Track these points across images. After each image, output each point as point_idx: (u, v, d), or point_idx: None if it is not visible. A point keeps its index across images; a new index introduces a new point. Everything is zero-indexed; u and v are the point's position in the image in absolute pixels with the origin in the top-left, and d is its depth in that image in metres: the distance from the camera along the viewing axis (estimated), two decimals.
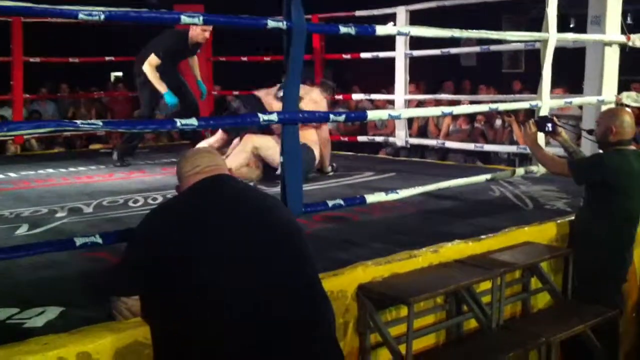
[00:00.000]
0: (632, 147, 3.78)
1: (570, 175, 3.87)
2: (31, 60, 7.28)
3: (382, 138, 7.42)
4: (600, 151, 3.90)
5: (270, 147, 5.07)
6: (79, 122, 2.52)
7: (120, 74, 16.73)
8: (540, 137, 4.33)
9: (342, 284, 2.91)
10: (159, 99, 6.05)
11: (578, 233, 3.88)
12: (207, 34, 5.92)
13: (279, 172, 5.11)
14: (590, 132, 4.25)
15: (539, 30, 4.51)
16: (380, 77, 10.31)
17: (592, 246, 3.73)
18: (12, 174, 5.71)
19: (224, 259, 2.05)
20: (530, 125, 4.18)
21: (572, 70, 6.10)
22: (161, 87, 5.67)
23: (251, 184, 4.91)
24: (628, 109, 4.00)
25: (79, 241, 2.54)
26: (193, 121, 2.80)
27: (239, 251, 2.07)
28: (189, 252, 2.03)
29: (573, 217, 4.01)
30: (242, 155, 5.15)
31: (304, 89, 5.26)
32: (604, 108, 5.14)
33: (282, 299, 2.05)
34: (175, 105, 5.66)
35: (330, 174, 5.60)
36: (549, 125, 4.10)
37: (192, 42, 5.92)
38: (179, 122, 2.76)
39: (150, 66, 5.65)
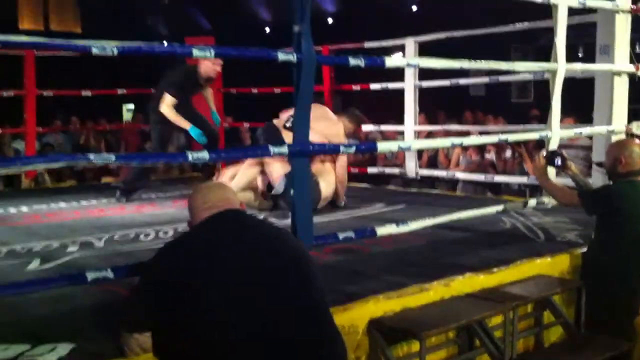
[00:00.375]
0: None
1: (580, 206, 3.87)
2: (44, 93, 7.34)
3: (394, 170, 7.41)
4: (610, 182, 3.89)
5: (268, 161, 5.15)
6: (91, 156, 2.54)
7: (132, 106, 16.92)
8: (551, 169, 4.33)
9: (353, 318, 2.90)
10: (171, 135, 6.12)
11: (589, 264, 3.86)
12: (218, 68, 5.97)
13: (274, 191, 5.24)
14: (599, 164, 4.25)
15: (547, 58, 4.52)
16: (389, 107, 10.36)
17: (602, 278, 3.70)
18: (23, 208, 5.74)
19: (231, 285, 2.05)
20: (539, 158, 4.20)
21: (581, 99, 6.11)
22: (185, 124, 5.72)
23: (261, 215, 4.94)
24: (637, 140, 4.00)
25: (90, 276, 2.54)
26: (205, 154, 2.82)
27: (246, 276, 2.07)
28: (197, 283, 2.04)
29: (585, 249, 3.98)
30: (251, 169, 5.27)
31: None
32: (614, 138, 5.14)
33: (289, 320, 2.05)
34: (201, 137, 5.71)
35: (342, 205, 5.59)
36: (558, 159, 4.11)
37: (204, 77, 5.97)
38: (190, 155, 2.77)
39: (167, 107, 5.69)
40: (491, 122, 8.59)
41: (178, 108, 5.73)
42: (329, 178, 5.41)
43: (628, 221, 3.65)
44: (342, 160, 5.48)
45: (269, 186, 5.38)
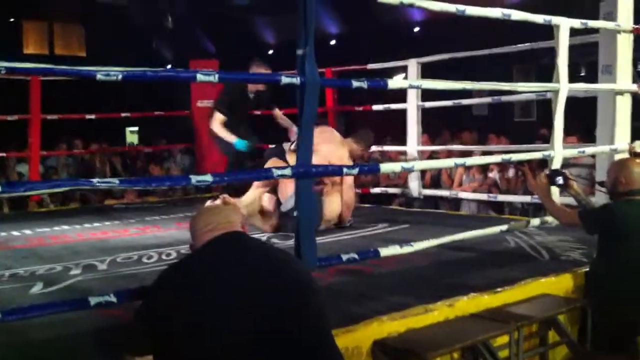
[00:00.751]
0: None
1: (581, 226, 3.89)
2: (48, 117, 7.38)
3: (397, 190, 7.42)
4: (610, 201, 3.90)
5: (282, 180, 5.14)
6: (95, 180, 2.55)
7: (135, 128, 17.00)
8: (554, 188, 4.33)
9: (357, 339, 2.89)
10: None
11: (591, 283, 3.85)
12: (260, 87, 5.92)
13: (282, 207, 5.25)
14: (601, 183, 4.25)
15: (550, 77, 4.54)
16: (392, 127, 10.38)
17: (604, 296, 3.69)
18: (27, 231, 5.75)
19: (233, 308, 2.05)
20: (541, 177, 4.22)
21: (584, 118, 6.13)
22: (231, 138, 5.86)
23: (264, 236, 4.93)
24: (638, 160, 4.01)
25: (93, 300, 2.54)
26: (207, 177, 2.83)
27: (248, 299, 2.07)
28: (199, 306, 2.04)
29: (588, 268, 3.97)
30: (257, 190, 5.33)
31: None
32: (617, 157, 5.14)
33: (291, 345, 2.05)
34: (246, 146, 5.84)
35: (347, 225, 5.59)
36: (560, 178, 4.12)
37: (252, 91, 5.96)
38: (193, 178, 2.78)
39: (217, 123, 5.89)
40: (494, 140, 8.59)
41: (231, 125, 5.87)
42: (334, 199, 5.43)
43: (628, 240, 3.65)
44: (349, 182, 5.49)
45: (279, 203, 5.39)
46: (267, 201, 5.49)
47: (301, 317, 2.11)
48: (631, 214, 3.68)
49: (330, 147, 5.39)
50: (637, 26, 5.10)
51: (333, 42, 15.20)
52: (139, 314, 2.24)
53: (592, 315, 3.71)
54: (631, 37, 5.17)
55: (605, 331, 3.68)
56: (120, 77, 2.57)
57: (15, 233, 5.68)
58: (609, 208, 3.82)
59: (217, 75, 2.93)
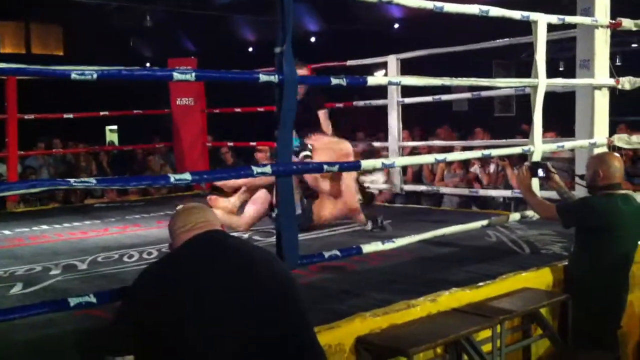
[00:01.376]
0: (621, 191, 3.79)
1: (558, 220, 3.90)
2: (25, 117, 7.31)
3: (381, 186, 7.39)
4: (588, 195, 3.92)
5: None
6: (72, 180, 2.52)
7: (114, 127, 16.88)
8: (535, 181, 4.35)
9: (339, 336, 2.88)
10: None
11: (570, 277, 3.87)
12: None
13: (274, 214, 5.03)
14: (582, 177, 4.27)
15: (529, 72, 4.56)
16: (372, 122, 10.40)
17: (582, 291, 3.72)
18: (6, 232, 5.68)
19: (215, 306, 2.04)
20: (523, 170, 4.22)
21: (563, 113, 6.16)
22: None
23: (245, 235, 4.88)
24: (616, 154, 4.04)
25: (73, 301, 2.52)
26: (187, 176, 2.80)
27: (229, 296, 2.06)
28: (180, 305, 2.03)
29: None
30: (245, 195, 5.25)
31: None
32: (596, 151, 5.18)
33: (274, 340, 2.05)
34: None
35: (369, 228, 5.18)
36: (542, 170, 4.13)
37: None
38: (172, 177, 2.76)
39: None
40: (480, 135, 8.62)
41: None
42: (324, 204, 5.20)
43: (606, 234, 3.68)
44: (347, 182, 5.15)
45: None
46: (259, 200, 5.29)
47: (284, 314, 2.11)
48: (610, 208, 3.70)
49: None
50: (614, 21, 5.14)
51: (313, 39, 15.19)
52: (120, 314, 2.22)
53: (572, 309, 3.74)
54: (608, 32, 5.21)
55: (584, 325, 3.70)
56: (95, 76, 2.54)
57: None
58: (588, 202, 3.85)
59: (194, 74, 2.90)
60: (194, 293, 2.05)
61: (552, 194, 4.48)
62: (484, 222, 4.35)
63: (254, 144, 8.16)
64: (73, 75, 2.48)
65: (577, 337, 3.71)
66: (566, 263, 3.99)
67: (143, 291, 2.15)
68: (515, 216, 4.61)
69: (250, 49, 16.41)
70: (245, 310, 2.05)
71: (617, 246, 3.69)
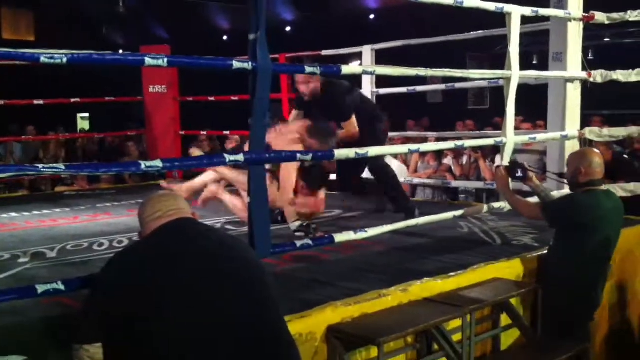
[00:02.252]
0: (603, 187, 3.82)
1: (543, 219, 3.90)
2: None
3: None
4: (568, 192, 3.95)
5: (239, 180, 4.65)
6: (40, 166, 2.48)
7: (86, 114, 16.69)
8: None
9: (311, 325, 2.88)
10: None
11: (548, 271, 3.90)
12: (303, 88, 5.01)
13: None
14: (561, 175, 4.30)
15: (503, 66, 4.59)
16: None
17: (560, 284, 3.75)
18: None
19: (185, 293, 2.01)
20: (501, 170, 4.23)
21: (536, 105, 6.22)
22: None
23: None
24: (596, 150, 4.05)
25: (40, 288, 2.48)
26: (158, 163, 2.77)
27: (200, 283, 2.04)
28: (150, 292, 2.00)
29: (540, 253, 4.04)
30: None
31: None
32: (568, 143, 5.24)
33: (247, 326, 2.03)
34: None
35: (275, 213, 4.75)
36: (520, 171, 4.14)
37: (306, 98, 5.16)
38: (143, 164, 2.73)
39: None
40: (460, 126, 8.65)
41: None
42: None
43: (587, 231, 3.70)
44: (288, 167, 4.62)
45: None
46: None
47: (257, 301, 2.10)
48: (591, 204, 3.73)
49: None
50: (587, 14, 5.18)
51: (288, 28, 15.13)
52: (87, 303, 2.20)
53: (544, 300, 3.77)
54: (581, 25, 5.26)
55: (557, 315, 3.74)
56: (65, 59, 2.49)
57: None
58: (572, 200, 3.86)
59: (166, 59, 2.86)
60: (161, 283, 2.02)
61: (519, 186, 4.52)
62: (456, 213, 4.38)
63: (227, 132, 8.13)
64: (42, 59, 2.43)
65: (548, 327, 3.75)
66: (537, 254, 4.03)
67: (110, 281, 2.11)
68: (487, 207, 4.64)
69: (225, 38, 16.29)
70: (214, 300, 2.03)
71: (599, 241, 3.71)
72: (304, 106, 5.24)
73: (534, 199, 4.35)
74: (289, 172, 4.66)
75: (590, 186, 3.76)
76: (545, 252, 4.02)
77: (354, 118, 5.05)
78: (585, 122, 5.55)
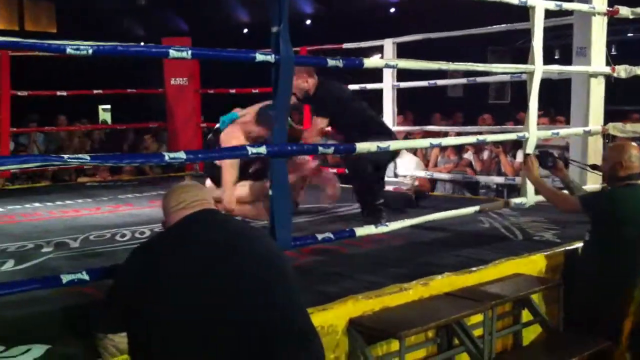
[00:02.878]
0: None
1: (583, 212, 3.79)
2: (19, 93, 7.25)
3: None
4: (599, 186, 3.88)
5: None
6: (65, 156, 2.50)
7: (108, 106, 16.80)
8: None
9: (332, 318, 2.89)
10: None
11: (582, 266, 3.82)
12: (301, 82, 4.88)
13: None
14: (594, 167, 4.24)
15: (523, 60, 4.55)
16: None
17: (595, 279, 3.67)
18: None
19: (210, 284, 2.03)
20: (531, 160, 4.10)
21: (558, 100, 6.17)
22: None
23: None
24: (634, 143, 3.97)
25: (65, 278, 2.51)
26: (181, 154, 2.78)
27: (225, 274, 2.05)
28: (174, 283, 2.01)
29: (562, 249, 4.01)
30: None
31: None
32: (590, 139, 5.19)
33: (271, 316, 2.04)
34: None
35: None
36: (550, 160, 4.06)
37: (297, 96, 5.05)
38: (167, 155, 2.74)
39: None
40: (482, 121, 8.59)
41: None
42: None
43: (628, 225, 3.62)
44: (227, 163, 4.59)
45: None
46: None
47: (278, 292, 2.10)
48: (631, 199, 3.66)
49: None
50: (611, 9, 5.13)
51: (308, 22, 15.11)
52: (110, 293, 2.21)
53: (574, 296, 3.73)
54: (605, 19, 5.21)
55: (587, 313, 3.68)
56: (90, 51, 2.51)
57: None
58: (614, 194, 3.77)
59: (190, 52, 2.87)
60: (188, 270, 2.03)
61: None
62: (477, 208, 4.36)
63: None
64: (68, 50, 2.45)
65: (576, 323, 3.69)
66: (558, 250, 4.00)
67: (132, 271, 2.13)
68: (508, 202, 4.62)
69: (245, 31, 16.30)
70: (235, 293, 2.04)
71: (637, 237, 3.63)
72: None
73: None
74: (228, 170, 4.61)
75: (629, 180, 3.68)
76: (567, 247, 3.99)
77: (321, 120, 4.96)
78: (617, 117, 5.49)
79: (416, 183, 6.81)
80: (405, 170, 6.86)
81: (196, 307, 1.99)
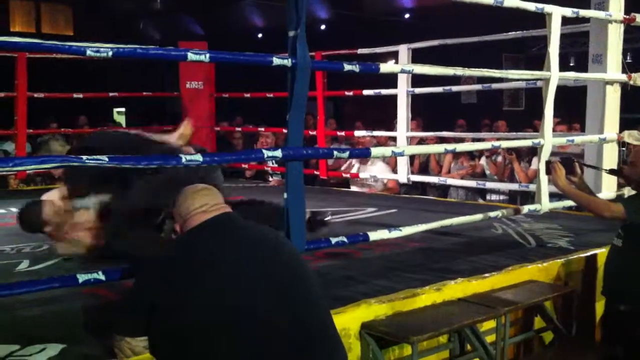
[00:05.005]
0: None
1: (628, 218, 3.55)
2: (35, 95, 7.30)
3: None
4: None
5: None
6: (84, 157, 2.52)
7: (122, 109, 16.88)
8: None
9: (345, 322, 2.90)
10: None
11: (615, 274, 3.65)
12: None
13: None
14: (612, 172, 4.19)
15: (538, 67, 4.54)
16: (379, 112, 10.35)
17: (630, 286, 3.54)
18: (13, 209, 5.68)
19: (231, 297, 2.04)
20: (558, 167, 3.86)
21: (572, 108, 6.16)
22: None
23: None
24: None
25: (81, 278, 2.53)
26: (198, 157, 2.81)
27: (247, 288, 2.06)
28: (194, 292, 2.03)
29: (577, 256, 3.99)
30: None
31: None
32: (605, 146, 5.17)
33: (301, 319, 2.07)
34: None
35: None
36: (575, 165, 3.92)
37: None
38: (184, 157, 2.76)
39: None
40: (502, 127, 8.59)
41: None
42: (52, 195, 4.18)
43: None
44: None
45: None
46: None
47: (303, 296, 2.14)
48: None
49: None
50: (627, 16, 5.11)
51: (323, 27, 15.13)
52: (134, 295, 2.22)
53: (606, 306, 3.67)
54: (622, 27, 5.19)
55: (619, 323, 3.56)
56: (110, 53, 2.54)
57: (1, 210, 5.63)
58: None
59: (207, 55, 2.90)
60: (226, 271, 2.07)
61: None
62: (490, 214, 4.35)
63: (262, 129, 8.18)
64: (89, 52, 2.48)
65: (611, 336, 3.61)
66: (572, 257, 3.99)
67: (159, 273, 2.14)
68: (522, 209, 4.61)
69: (260, 35, 16.35)
70: (263, 295, 2.06)
71: None
72: None
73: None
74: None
75: None
76: (582, 255, 3.97)
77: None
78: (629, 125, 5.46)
79: (389, 186, 7.22)
80: (377, 174, 7.13)
81: (226, 310, 2.01)
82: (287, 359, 2.03)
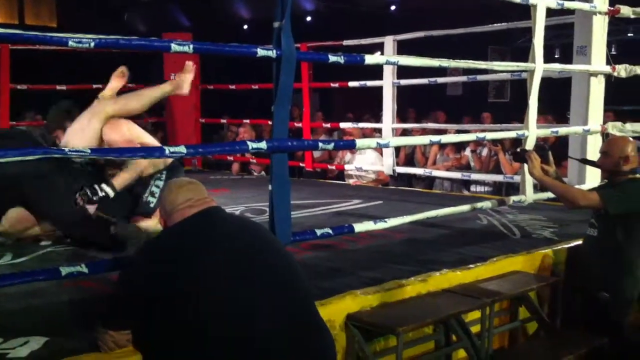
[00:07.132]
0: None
1: (604, 207, 3.55)
2: (18, 87, 7.24)
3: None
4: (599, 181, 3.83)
5: None
6: (66, 149, 2.50)
7: None
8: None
9: (330, 313, 2.89)
10: None
11: (589, 263, 3.71)
12: None
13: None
14: (585, 161, 4.22)
15: (523, 60, 4.56)
16: (365, 104, 10.34)
17: (606, 277, 3.58)
18: None
19: (229, 279, 2.04)
20: (533, 156, 3.84)
21: (557, 99, 6.18)
22: None
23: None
24: (630, 137, 3.95)
25: (64, 270, 2.51)
26: (182, 149, 2.79)
27: (242, 268, 2.07)
28: (181, 288, 2.02)
29: (560, 247, 4.01)
30: None
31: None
32: (590, 138, 5.20)
33: (286, 310, 2.07)
34: None
35: None
36: (549, 154, 3.95)
37: None
38: (167, 149, 2.75)
39: None
40: (487, 120, 8.62)
41: None
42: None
43: (630, 219, 3.55)
44: None
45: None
46: None
47: (289, 287, 2.14)
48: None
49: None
50: (612, 8, 5.13)
51: (309, 18, 15.09)
52: (121, 288, 2.21)
53: (580, 293, 3.71)
54: (606, 19, 5.21)
55: (593, 310, 3.62)
56: (92, 44, 2.51)
57: None
58: (629, 186, 3.62)
59: (191, 46, 2.88)
60: (201, 267, 2.05)
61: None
62: (476, 205, 4.36)
63: (247, 121, 8.16)
64: (70, 43, 2.45)
65: (581, 322, 3.67)
66: (556, 247, 4.01)
67: (148, 266, 2.12)
68: (507, 200, 4.62)
69: (245, 27, 16.29)
70: (253, 289, 2.06)
71: None
72: None
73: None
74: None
75: (633, 174, 3.60)
76: (566, 245, 4.00)
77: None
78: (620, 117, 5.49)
79: (380, 177, 7.19)
80: (367, 164, 7.12)
81: (216, 305, 2.00)
82: (281, 347, 2.02)
